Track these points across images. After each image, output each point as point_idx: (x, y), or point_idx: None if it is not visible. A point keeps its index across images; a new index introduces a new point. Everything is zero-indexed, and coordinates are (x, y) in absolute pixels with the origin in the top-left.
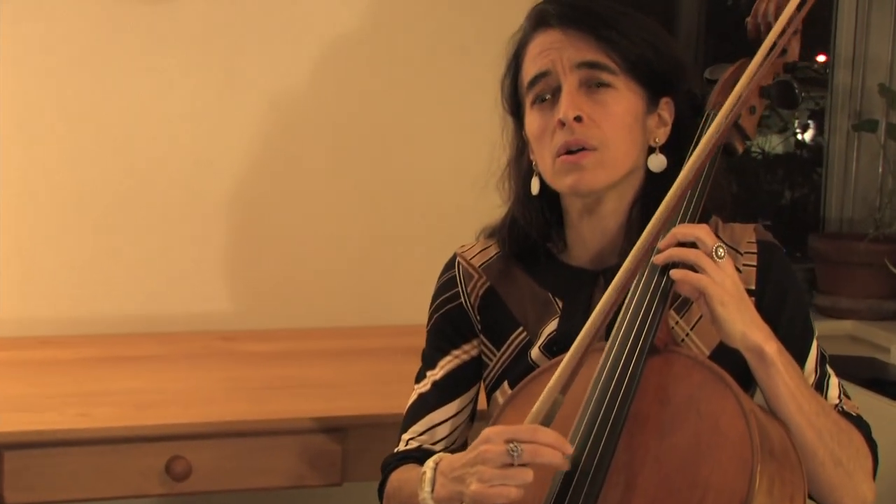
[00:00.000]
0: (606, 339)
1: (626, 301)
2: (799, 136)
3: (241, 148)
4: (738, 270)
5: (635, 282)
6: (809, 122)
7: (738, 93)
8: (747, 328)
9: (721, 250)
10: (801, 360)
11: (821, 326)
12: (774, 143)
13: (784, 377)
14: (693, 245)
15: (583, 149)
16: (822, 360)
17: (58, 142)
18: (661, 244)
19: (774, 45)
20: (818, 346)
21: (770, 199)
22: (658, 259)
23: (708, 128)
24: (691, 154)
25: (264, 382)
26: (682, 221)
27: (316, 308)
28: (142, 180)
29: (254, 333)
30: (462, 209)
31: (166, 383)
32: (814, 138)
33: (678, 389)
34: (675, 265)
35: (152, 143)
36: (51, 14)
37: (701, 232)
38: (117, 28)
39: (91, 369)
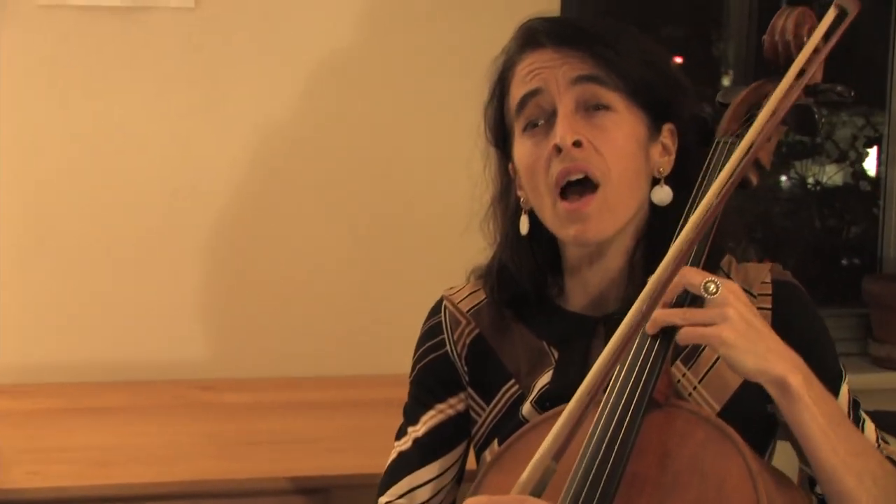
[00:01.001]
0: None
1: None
2: (858, 166)
3: (223, 177)
4: None
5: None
6: (868, 150)
7: (760, 125)
8: (763, 360)
9: (712, 285)
10: None
11: (876, 379)
12: (831, 174)
13: (813, 412)
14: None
15: (585, 179)
16: (854, 405)
17: (14, 169)
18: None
19: (803, 70)
20: (849, 391)
21: (825, 237)
22: (649, 330)
23: (718, 157)
24: (701, 191)
25: (241, 437)
26: (689, 259)
27: (301, 355)
28: (112, 212)
29: (233, 382)
30: (462, 249)
31: (132, 438)
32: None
33: (680, 448)
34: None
35: (125, 172)
36: (12, 27)
37: (686, 275)
38: (86, 43)
39: (48, 422)
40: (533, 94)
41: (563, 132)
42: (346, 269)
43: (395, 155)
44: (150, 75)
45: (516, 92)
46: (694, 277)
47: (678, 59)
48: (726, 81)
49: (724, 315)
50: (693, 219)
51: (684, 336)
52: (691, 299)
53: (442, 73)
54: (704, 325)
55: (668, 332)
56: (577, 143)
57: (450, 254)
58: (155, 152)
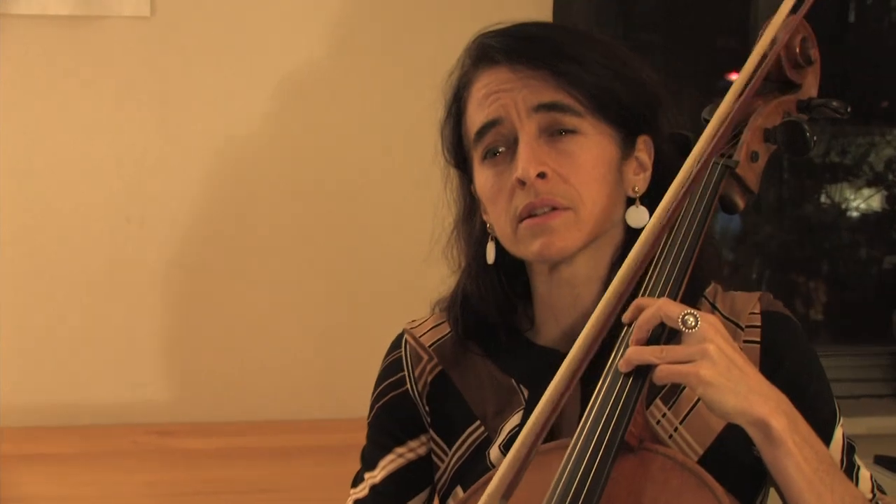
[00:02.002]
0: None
1: (596, 391)
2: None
3: (180, 204)
4: None
5: (604, 373)
6: None
7: (718, 120)
8: (744, 401)
9: (690, 318)
10: None
11: None
12: (866, 197)
13: (797, 459)
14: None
15: (553, 208)
16: (848, 450)
17: None
18: (624, 316)
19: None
20: (844, 434)
21: (856, 266)
22: (622, 367)
23: (700, 178)
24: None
25: (198, 486)
26: (667, 293)
27: (265, 398)
28: (59, 242)
29: (192, 427)
30: (429, 278)
31: (84, 488)
32: None
33: (652, 497)
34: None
35: (73, 197)
36: None
37: (662, 307)
38: (31, 55)
39: None
40: (492, 124)
41: (525, 165)
42: (321, 302)
43: (385, 173)
44: (102, 90)
45: (474, 116)
46: (671, 310)
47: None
48: None
49: (704, 351)
50: (646, 230)
51: (660, 375)
52: (668, 333)
53: (413, 89)
54: (682, 362)
55: (642, 371)
56: (541, 175)
57: (415, 284)
58: (104, 175)
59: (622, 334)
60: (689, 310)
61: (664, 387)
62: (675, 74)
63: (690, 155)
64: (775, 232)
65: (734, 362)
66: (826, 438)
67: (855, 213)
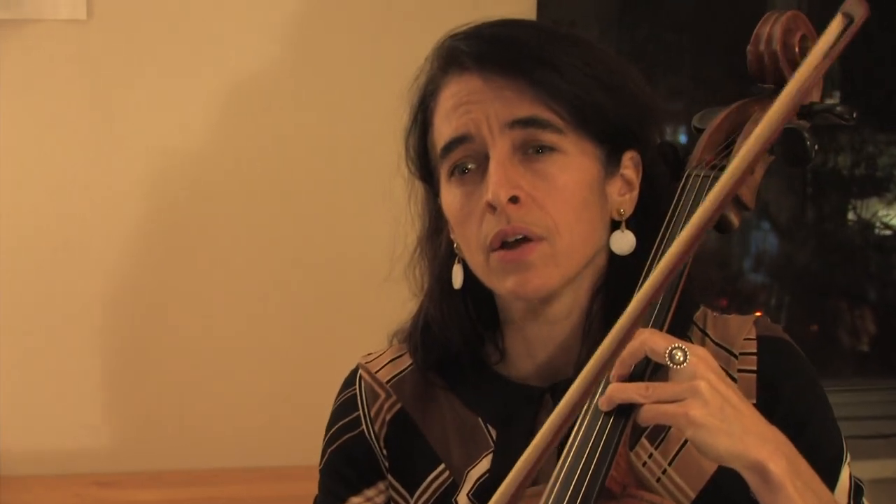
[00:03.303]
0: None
1: (573, 431)
2: None
3: (123, 227)
4: (733, 378)
5: (583, 411)
6: None
7: (749, 152)
8: (739, 443)
9: (679, 352)
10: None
11: None
12: None
13: None
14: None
15: (525, 238)
16: (856, 492)
17: None
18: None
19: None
20: (851, 474)
21: (888, 292)
22: (602, 406)
23: (689, 193)
24: (667, 237)
25: None
26: (651, 321)
27: (219, 443)
28: None
29: (138, 476)
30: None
31: None
32: None
33: None
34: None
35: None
36: None
37: (647, 341)
38: None
39: None
40: (460, 140)
41: (496, 186)
42: (281, 336)
43: (323, 192)
44: (32, 100)
45: (442, 129)
46: (657, 343)
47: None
48: None
49: (694, 389)
50: (656, 273)
51: (646, 415)
52: (653, 368)
53: (377, 94)
54: (669, 401)
55: (625, 410)
56: (514, 199)
57: (377, 310)
58: (34, 195)
59: None
60: (678, 343)
61: (646, 428)
62: (703, 81)
63: (718, 184)
64: (794, 252)
65: (728, 400)
66: (831, 480)
67: (888, 232)
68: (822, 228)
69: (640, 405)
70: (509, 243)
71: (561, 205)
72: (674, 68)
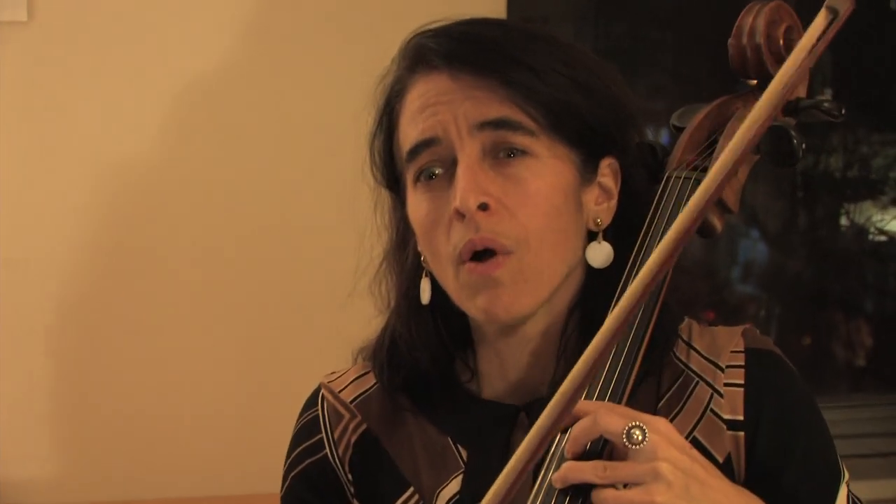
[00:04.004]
0: None
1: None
2: None
3: (66, 241)
4: (719, 394)
5: (537, 484)
6: None
7: (733, 152)
8: None
9: (637, 432)
10: None
11: None
12: (894, 217)
13: None
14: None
15: (493, 252)
16: None
17: None
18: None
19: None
20: (849, 495)
21: (888, 303)
22: (556, 483)
23: (669, 197)
24: (646, 244)
25: None
26: (631, 332)
27: (172, 471)
28: None
29: None
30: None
31: None
32: None
33: None
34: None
35: None
36: None
37: (600, 421)
38: None
39: None
40: (427, 143)
41: (465, 192)
42: (240, 352)
43: (280, 206)
44: None
45: (407, 131)
46: (612, 423)
47: None
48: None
49: (655, 472)
50: (634, 285)
51: (604, 499)
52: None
53: (339, 97)
54: (629, 482)
55: (581, 489)
56: (483, 207)
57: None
58: None
59: (555, 441)
60: (635, 420)
61: None
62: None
63: (690, 202)
64: (785, 260)
65: (694, 476)
66: (827, 499)
67: (881, 237)
68: (813, 235)
69: (598, 486)
70: (479, 253)
71: (532, 212)
72: (653, 65)
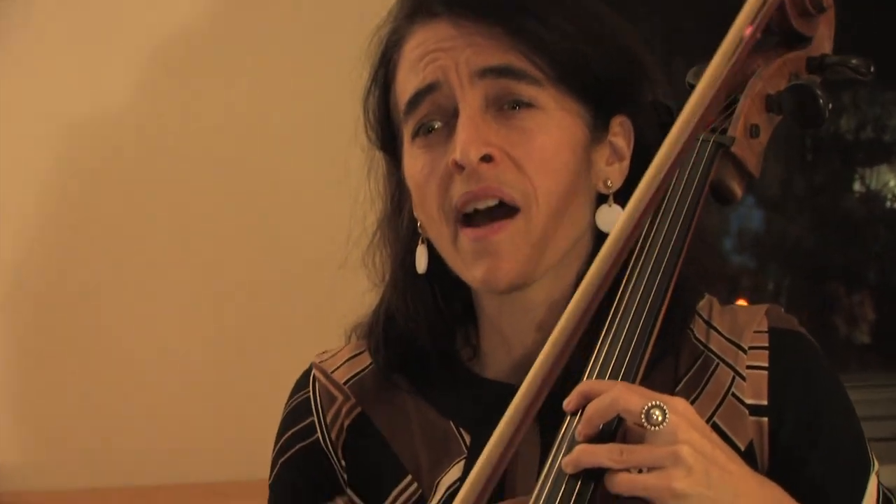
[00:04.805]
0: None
1: (535, 492)
2: None
3: (25, 216)
4: (741, 377)
5: (545, 470)
6: None
7: (706, 86)
8: None
9: (657, 412)
10: None
11: None
12: None
13: None
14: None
15: (500, 205)
16: None
17: None
18: (566, 403)
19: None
20: (879, 486)
21: None
22: (567, 468)
23: (687, 161)
24: (661, 209)
25: None
26: (646, 307)
27: (142, 458)
28: None
29: (50, 496)
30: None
31: None
32: None
33: None
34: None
35: None
36: None
37: (619, 399)
38: None
39: None
40: (427, 90)
41: (465, 143)
42: (198, 337)
43: (264, 167)
44: None
45: (406, 83)
46: (631, 401)
47: None
48: None
49: (675, 456)
50: (616, 228)
51: (620, 486)
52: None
53: (328, 52)
54: (647, 466)
55: (593, 474)
56: (486, 158)
57: (329, 304)
58: None
59: (565, 424)
60: (655, 399)
61: None
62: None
63: (671, 133)
64: (790, 227)
65: (714, 461)
66: (855, 495)
67: None
68: (823, 202)
69: (612, 470)
70: (480, 213)
71: (540, 167)
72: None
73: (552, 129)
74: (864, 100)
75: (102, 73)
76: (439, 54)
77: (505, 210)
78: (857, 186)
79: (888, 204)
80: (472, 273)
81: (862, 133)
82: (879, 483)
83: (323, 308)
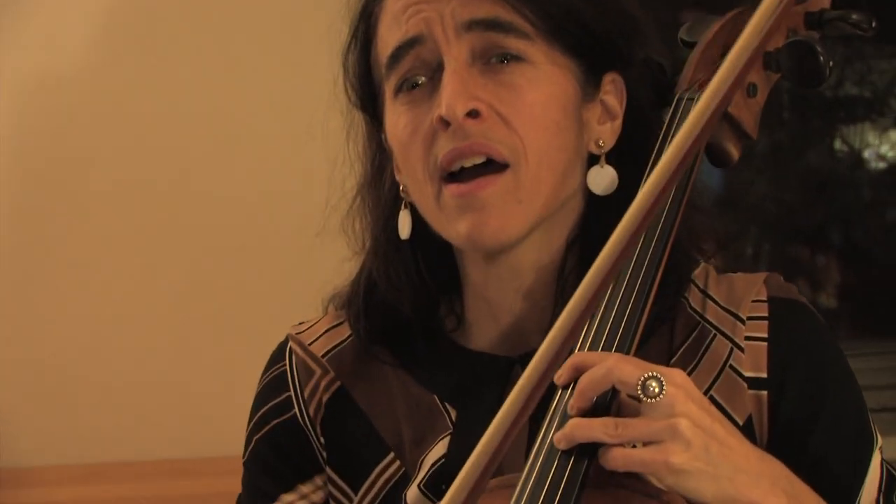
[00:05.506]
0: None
1: (527, 467)
2: None
3: None
4: (740, 349)
5: (536, 446)
6: None
7: (734, 61)
8: (729, 486)
9: (653, 383)
10: (853, 486)
11: None
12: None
13: None
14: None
15: (487, 163)
16: (889, 483)
17: None
18: (557, 377)
19: None
20: (883, 462)
21: (888, 235)
22: (559, 443)
23: (679, 121)
24: (652, 168)
25: None
26: (640, 275)
27: (101, 434)
28: None
29: (13, 473)
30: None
31: None
32: None
33: None
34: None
35: None
36: None
37: (614, 369)
38: None
39: None
40: (410, 43)
41: (451, 97)
42: (164, 311)
43: (236, 134)
44: None
45: (387, 36)
46: (627, 372)
47: None
48: None
49: (673, 429)
50: (638, 199)
51: (614, 460)
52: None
53: (296, 8)
54: (643, 441)
55: (587, 449)
56: (473, 113)
57: (304, 272)
58: None
59: (556, 398)
60: (651, 370)
61: None
62: None
63: (696, 109)
64: (772, 191)
65: (713, 435)
66: (859, 472)
67: (880, 164)
68: (803, 161)
69: (607, 445)
70: (466, 171)
71: (529, 124)
72: None
73: (542, 83)
74: (844, 55)
75: (57, 37)
76: (423, 6)
77: (493, 167)
78: (837, 145)
79: (869, 164)
80: (455, 229)
81: (841, 90)
82: (883, 459)
83: (300, 277)
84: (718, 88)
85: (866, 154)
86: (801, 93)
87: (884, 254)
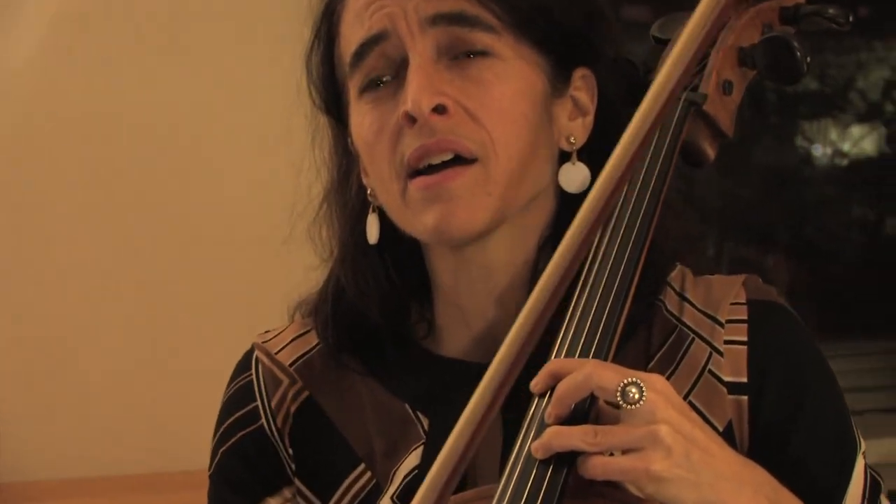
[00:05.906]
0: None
1: (504, 476)
2: None
3: None
4: (719, 353)
5: (513, 455)
6: None
7: (685, 46)
8: (709, 493)
9: (633, 389)
10: (836, 489)
11: None
12: (857, 138)
13: None
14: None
15: (455, 158)
16: (872, 489)
17: None
18: (533, 384)
19: None
20: (866, 467)
21: (852, 232)
22: (536, 453)
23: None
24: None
25: None
26: (616, 279)
27: (74, 449)
28: None
29: None
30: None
31: None
32: None
33: None
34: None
35: None
36: None
37: (593, 375)
38: None
39: None
40: (374, 40)
41: (416, 93)
42: (125, 322)
43: (200, 140)
44: None
45: (350, 35)
46: (605, 378)
47: None
48: None
49: (653, 436)
50: (592, 193)
51: (594, 469)
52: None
53: (258, 9)
54: (623, 449)
55: (565, 458)
56: (439, 109)
57: (270, 280)
58: None
59: (532, 406)
60: (631, 376)
61: None
62: None
63: (653, 86)
64: (732, 188)
65: (694, 442)
66: (842, 477)
67: (844, 159)
68: (764, 159)
69: (586, 453)
70: (433, 167)
71: (497, 118)
72: None
73: (509, 78)
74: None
75: (11, 30)
76: (386, 2)
77: (461, 162)
78: (799, 142)
79: (832, 161)
80: (422, 221)
81: (804, 85)
82: (867, 464)
83: (267, 286)
84: (670, 74)
85: (827, 150)
86: (774, 88)
87: (846, 251)
